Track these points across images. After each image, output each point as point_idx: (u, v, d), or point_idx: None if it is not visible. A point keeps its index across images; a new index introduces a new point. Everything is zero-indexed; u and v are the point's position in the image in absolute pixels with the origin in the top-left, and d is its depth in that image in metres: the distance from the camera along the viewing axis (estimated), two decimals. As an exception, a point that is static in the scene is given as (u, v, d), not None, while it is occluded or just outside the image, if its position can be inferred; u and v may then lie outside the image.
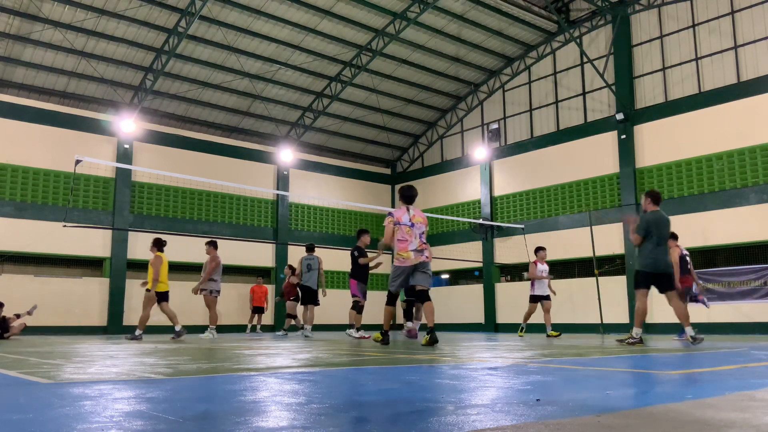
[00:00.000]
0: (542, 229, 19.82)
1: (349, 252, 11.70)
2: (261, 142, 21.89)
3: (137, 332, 11.29)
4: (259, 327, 18.87)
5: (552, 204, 19.91)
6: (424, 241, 8.02)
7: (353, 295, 11.30)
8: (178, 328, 11.34)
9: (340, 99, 21.49)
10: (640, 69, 18.34)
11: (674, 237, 11.44)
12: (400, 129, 24.01)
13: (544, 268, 12.79)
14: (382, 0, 17.92)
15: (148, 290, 11.30)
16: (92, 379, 3.58)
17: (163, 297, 11.44)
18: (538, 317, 13.18)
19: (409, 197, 8.21)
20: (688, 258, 11.32)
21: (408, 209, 8.12)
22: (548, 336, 12.23)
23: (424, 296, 8.02)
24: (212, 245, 12.07)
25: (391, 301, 8.16)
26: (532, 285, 12.85)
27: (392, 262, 8.06)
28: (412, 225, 7.97)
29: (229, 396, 2.71)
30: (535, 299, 12.78)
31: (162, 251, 11.63)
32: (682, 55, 17.44)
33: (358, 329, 11.01)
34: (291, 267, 15.63)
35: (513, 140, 21.57)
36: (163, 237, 12.22)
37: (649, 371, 4.23)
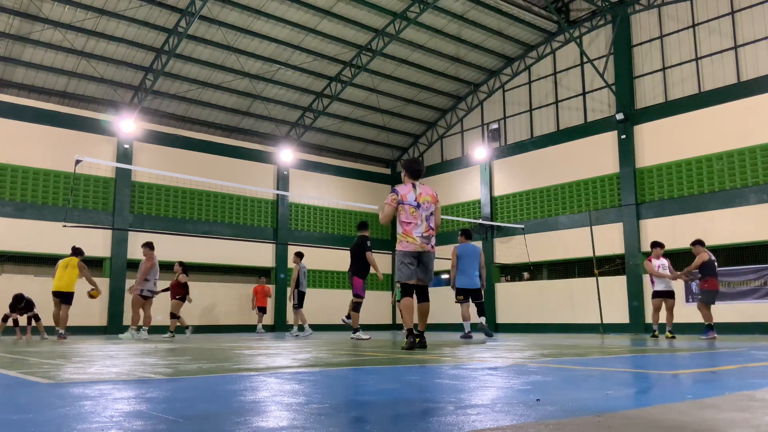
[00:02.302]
0: (542, 229, 19.82)
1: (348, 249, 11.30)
2: (261, 142, 21.89)
3: (61, 332, 11.76)
4: (261, 326, 18.95)
5: (552, 204, 19.91)
6: (432, 225, 6.96)
7: (357, 295, 10.82)
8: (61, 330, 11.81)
9: (340, 99, 21.49)
10: (640, 69, 18.34)
11: (700, 243, 11.60)
12: (400, 129, 24.02)
13: (662, 262, 11.84)
14: (382, 0, 17.92)
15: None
16: (92, 379, 3.58)
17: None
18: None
19: (415, 171, 7.08)
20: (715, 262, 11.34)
21: (414, 186, 6.96)
22: (667, 337, 11.20)
23: (421, 294, 7.07)
24: (148, 246, 12.42)
25: (407, 292, 6.95)
26: (653, 282, 12.01)
27: (396, 246, 7.02)
28: (418, 205, 6.86)
29: (229, 396, 2.71)
30: (656, 295, 11.84)
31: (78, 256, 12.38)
32: (682, 55, 17.44)
33: (355, 330, 10.67)
34: (182, 264, 14.20)
35: (513, 140, 21.57)
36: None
37: (649, 371, 4.23)
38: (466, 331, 11.27)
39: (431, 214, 6.97)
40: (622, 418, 2.06)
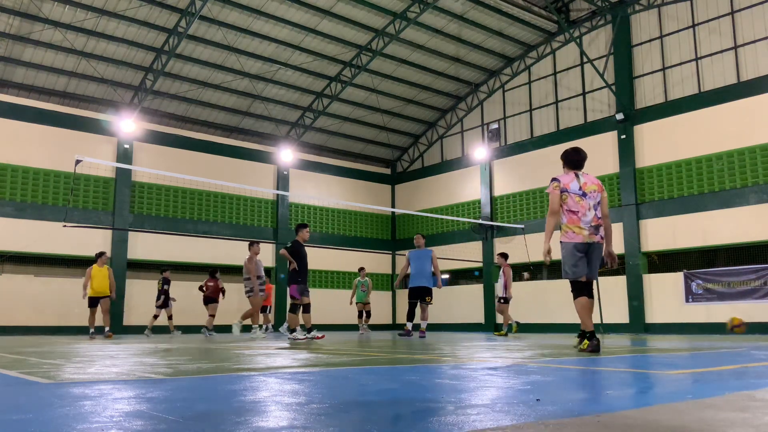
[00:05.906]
0: (542, 229, 19.68)
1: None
2: (261, 142, 21.89)
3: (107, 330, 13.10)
4: (266, 326, 18.90)
5: (552, 204, 19.88)
6: (599, 215, 6.39)
7: (292, 297, 10.25)
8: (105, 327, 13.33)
9: (340, 99, 21.49)
10: (640, 69, 18.33)
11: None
12: (400, 129, 24.01)
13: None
14: (382, 0, 17.92)
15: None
16: (92, 379, 3.58)
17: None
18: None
19: (572, 162, 6.67)
20: None
21: (577, 175, 6.55)
22: (501, 334, 13.42)
23: (587, 290, 6.50)
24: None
25: (579, 291, 6.44)
26: (507, 287, 14.23)
27: (560, 239, 6.51)
28: (584, 195, 6.38)
29: (229, 396, 2.71)
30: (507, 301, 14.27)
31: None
32: (682, 55, 17.44)
33: (309, 330, 10.09)
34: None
35: (513, 140, 21.56)
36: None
37: (649, 371, 4.23)
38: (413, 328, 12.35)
39: (598, 203, 6.42)
40: (622, 418, 2.06)
